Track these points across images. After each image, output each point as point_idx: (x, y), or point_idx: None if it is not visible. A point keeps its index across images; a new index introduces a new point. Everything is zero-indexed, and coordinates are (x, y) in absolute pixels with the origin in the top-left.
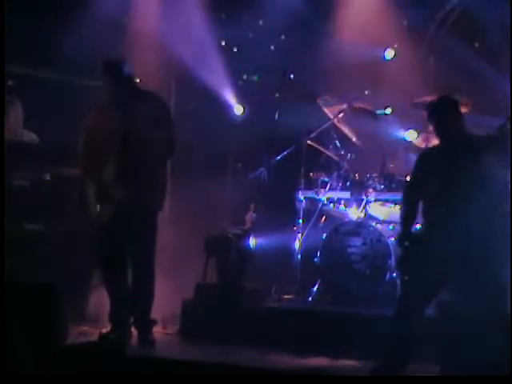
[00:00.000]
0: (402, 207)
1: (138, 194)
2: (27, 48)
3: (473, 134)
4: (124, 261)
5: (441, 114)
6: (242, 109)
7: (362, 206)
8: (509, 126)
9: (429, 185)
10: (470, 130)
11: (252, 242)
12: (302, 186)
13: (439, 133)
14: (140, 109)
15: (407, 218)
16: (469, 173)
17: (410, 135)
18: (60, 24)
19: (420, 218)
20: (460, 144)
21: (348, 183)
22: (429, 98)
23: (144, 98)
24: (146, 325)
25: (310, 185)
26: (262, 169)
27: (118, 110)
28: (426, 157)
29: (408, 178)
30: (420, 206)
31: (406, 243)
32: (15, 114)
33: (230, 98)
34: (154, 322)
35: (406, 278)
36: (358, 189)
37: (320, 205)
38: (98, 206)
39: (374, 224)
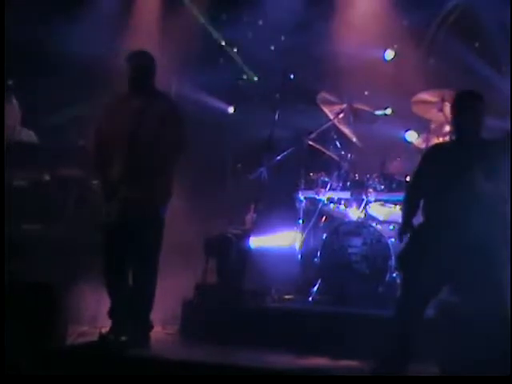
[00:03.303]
0: (404, 200)
1: (145, 194)
2: (27, 48)
3: (486, 137)
4: (126, 261)
5: (469, 108)
6: (232, 108)
7: (362, 206)
8: None
9: (433, 181)
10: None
11: (252, 242)
12: (303, 186)
13: (457, 125)
14: (153, 107)
15: (409, 210)
16: (476, 174)
17: (410, 136)
18: (60, 23)
19: (420, 215)
20: (473, 144)
21: (348, 183)
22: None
23: (158, 96)
24: (143, 326)
25: (311, 185)
26: (262, 169)
27: (131, 106)
28: (436, 152)
29: (410, 177)
30: (421, 203)
31: (407, 234)
32: (12, 111)
33: (229, 98)
34: (152, 326)
35: (405, 274)
36: (358, 189)
37: (320, 205)
38: (104, 204)
39: (374, 224)
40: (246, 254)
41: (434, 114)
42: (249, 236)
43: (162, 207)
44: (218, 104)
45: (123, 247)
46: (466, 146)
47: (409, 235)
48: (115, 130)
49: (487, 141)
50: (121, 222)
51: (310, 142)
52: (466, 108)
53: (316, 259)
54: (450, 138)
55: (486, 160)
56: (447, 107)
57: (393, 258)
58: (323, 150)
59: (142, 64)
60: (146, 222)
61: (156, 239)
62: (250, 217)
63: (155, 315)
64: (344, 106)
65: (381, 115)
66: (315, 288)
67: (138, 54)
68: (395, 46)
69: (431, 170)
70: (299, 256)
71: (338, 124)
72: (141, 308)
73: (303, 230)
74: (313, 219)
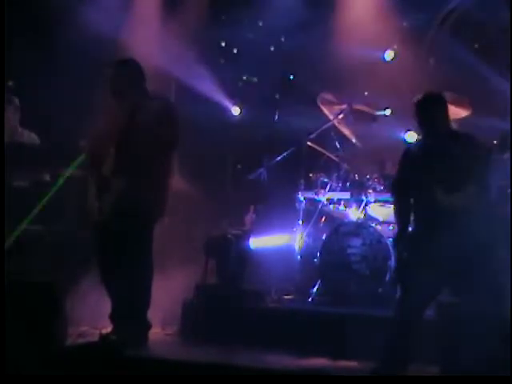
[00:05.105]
0: (394, 207)
1: (135, 192)
2: (27, 48)
3: (466, 133)
4: (123, 260)
5: (425, 112)
6: (238, 110)
7: (361, 206)
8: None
9: (418, 182)
10: (465, 130)
11: (252, 242)
12: (302, 187)
13: (423, 130)
14: (143, 107)
15: (402, 216)
16: (462, 172)
17: (410, 137)
18: (60, 23)
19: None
20: (448, 142)
21: (348, 184)
22: None
23: (150, 97)
24: (141, 325)
25: (310, 185)
26: (262, 170)
27: (122, 106)
28: (412, 153)
29: (392, 185)
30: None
31: (401, 244)
32: (13, 112)
33: (229, 98)
34: (150, 325)
35: (404, 279)
36: (357, 189)
37: (320, 205)
38: (98, 202)
39: (373, 225)
40: (246, 255)
41: None
42: (249, 236)
43: (154, 207)
44: (218, 105)
45: (117, 246)
46: (440, 146)
47: (405, 241)
48: (107, 128)
49: (471, 139)
50: (114, 218)
51: (310, 143)
52: (423, 112)
53: (316, 260)
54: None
55: (471, 159)
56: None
57: (393, 258)
58: (323, 150)
59: (126, 73)
60: (140, 219)
61: (149, 236)
62: (250, 217)
63: (155, 316)
64: (343, 105)
65: (380, 116)
66: (315, 288)
67: (122, 62)
68: (395, 46)
69: (413, 170)
70: (299, 256)
71: (337, 125)
72: (138, 307)
73: (303, 230)
74: (312, 220)
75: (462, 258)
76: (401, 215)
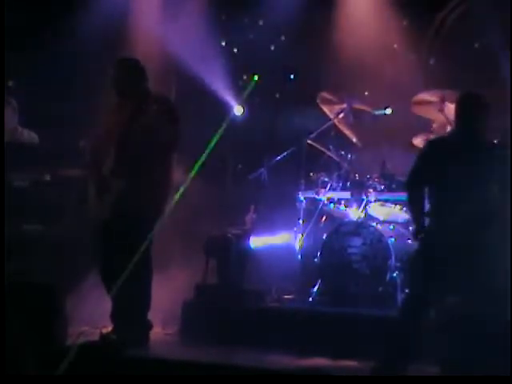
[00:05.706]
0: (408, 198)
1: (135, 192)
2: (27, 48)
3: (490, 139)
4: (123, 260)
5: (477, 109)
6: (241, 109)
7: (362, 206)
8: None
9: (433, 181)
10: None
11: (252, 242)
12: (303, 187)
13: (462, 127)
14: (144, 107)
15: (417, 211)
16: (479, 174)
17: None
18: (61, 24)
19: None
20: (475, 146)
21: (348, 183)
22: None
23: (151, 98)
24: (142, 326)
25: (311, 185)
26: (263, 169)
27: (123, 106)
28: (439, 146)
29: (408, 177)
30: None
31: (422, 235)
32: (11, 114)
33: (230, 98)
34: (151, 326)
35: (411, 275)
36: (358, 189)
37: (320, 205)
38: (98, 202)
39: (374, 224)
40: (246, 254)
41: (434, 115)
42: (249, 236)
43: (154, 207)
44: (218, 105)
45: (117, 246)
46: (467, 147)
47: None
48: (107, 129)
49: (491, 143)
50: (114, 218)
51: (310, 142)
52: (468, 109)
53: (316, 259)
54: (451, 137)
55: (488, 162)
56: (447, 108)
57: (393, 257)
58: (323, 150)
59: (127, 73)
60: (139, 219)
61: (149, 236)
62: (250, 217)
63: (155, 316)
64: (344, 106)
65: (381, 115)
66: (315, 288)
67: (124, 62)
68: (395, 45)
69: (431, 169)
70: (299, 256)
71: (337, 124)
72: (138, 307)
73: (303, 230)
74: (313, 219)
75: (465, 258)
76: (418, 207)
